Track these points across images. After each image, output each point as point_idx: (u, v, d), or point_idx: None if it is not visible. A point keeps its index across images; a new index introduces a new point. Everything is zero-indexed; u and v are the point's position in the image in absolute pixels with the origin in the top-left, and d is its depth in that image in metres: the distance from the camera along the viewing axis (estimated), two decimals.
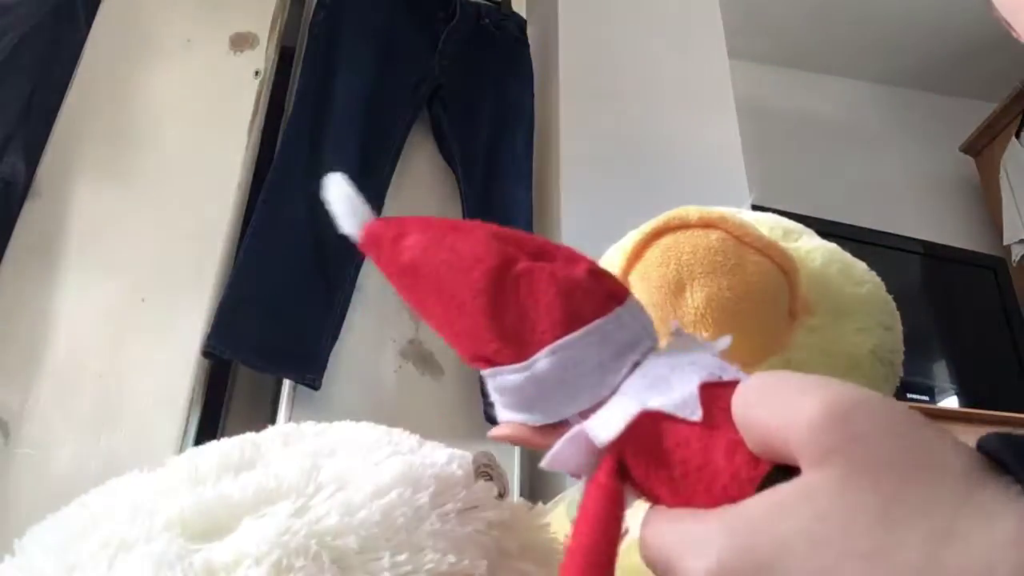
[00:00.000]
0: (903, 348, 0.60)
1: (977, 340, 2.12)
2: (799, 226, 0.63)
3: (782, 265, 0.52)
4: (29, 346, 1.05)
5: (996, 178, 2.36)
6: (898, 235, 2.22)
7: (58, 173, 1.18)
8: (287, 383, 1.14)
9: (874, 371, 0.55)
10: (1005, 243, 2.29)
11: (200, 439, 1.08)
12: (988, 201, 2.44)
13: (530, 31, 1.56)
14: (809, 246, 0.59)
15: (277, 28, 1.38)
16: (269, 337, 1.11)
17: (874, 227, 2.19)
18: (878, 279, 0.62)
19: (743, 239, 0.51)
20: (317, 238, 1.18)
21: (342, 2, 1.41)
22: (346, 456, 0.35)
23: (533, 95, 1.49)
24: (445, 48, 1.43)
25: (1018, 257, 2.25)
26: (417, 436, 0.39)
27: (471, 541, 0.33)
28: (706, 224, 0.50)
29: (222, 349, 1.08)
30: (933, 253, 2.23)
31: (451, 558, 0.31)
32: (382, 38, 1.40)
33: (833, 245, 0.61)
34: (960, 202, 2.54)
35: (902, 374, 0.60)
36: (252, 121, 1.28)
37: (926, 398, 1.95)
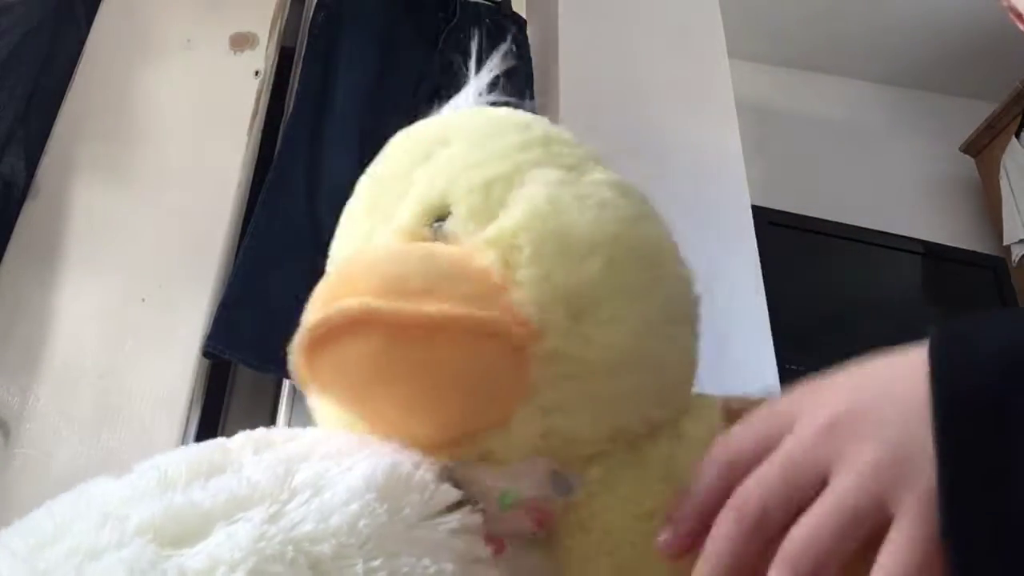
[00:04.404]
0: (688, 273, 0.45)
1: None
2: (494, 150, 0.45)
3: (476, 330, 0.37)
4: (29, 346, 1.05)
5: (996, 178, 2.35)
6: (898, 235, 2.22)
7: (58, 173, 1.18)
8: (287, 383, 1.14)
9: (656, 351, 0.41)
10: (1005, 243, 2.29)
11: (200, 439, 1.08)
12: (988, 201, 2.44)
13: (530, 31, 1.56)
14: (514, 217, 0.41)
15: (277, 28, 1.38)
16: (269, 337, 1.11)
17: (874, 227, 2.19)
18: (605, 205, 0.43)
19: (409, 325, 0.35)
20: (317, 238, 1.18)
21: (342, 2, 1.41)
22: (319, 461, 0.34)
23: (533, 95, 1.49)
24: (445, 48, 1.43)
25: (1018, 257, 2.24)
26: (390, 441, 0.38)
27: (444, 546, 0.32)
28: (353, 323, 0.36)
29: (222, 349, 1.08)
30: (933, 253, 2.23)
31: (426, 562, 0.31)
32: (382, 38, 1.40)
33: (547, 191, 0.42)
34: (960, 202, 2.54)
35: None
36: (252, 121, 1.28)
37: None
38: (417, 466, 0.36)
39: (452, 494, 0.35)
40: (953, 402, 0.28)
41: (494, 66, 0.57)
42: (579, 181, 0.44)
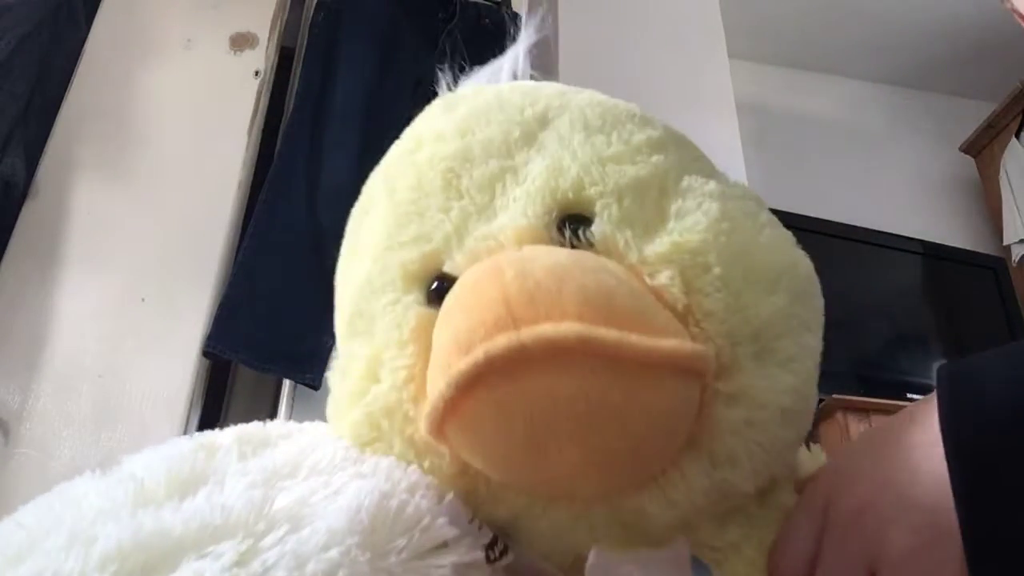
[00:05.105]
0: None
1: (977, 340, 2.12)
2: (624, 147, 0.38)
3: (692, 368, 0.31)
4: (29, 346, 1.05)
5: (996, 178, 2.36)
6: (898, 235, 2.22)
7: (58, 173, 1.18)
8: (287, 382, 1.14)
9: (815, 393, 0.37)
10: (1005, 243, 2.29)
11: None
12: (988, 201, 2.44)
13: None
14: (694, 231, 0.34)
15: (277, 28, 1.38)
16: (269, 337, 1.11)
17: (874, 227, 2.19)
18: (785, 239, 0.39)
19: (625, 357, 0.29)
20: (317, 238, 1.18)
21: (342, 2, 1.41)
22: (306, 478, 0.32)
23: None
24: (445, 48, 1.43)
25: (1018, 257, 2.25)
26: (389, 457, 0.35)
27: None
28: (553, 352, 0.28)
29: (222, 349, 1.08)
30: (933, 253, 2.23)
31: None
32: (382, 38, 1.40)
33: (720, 206, 0.36)
34: (960, 202, 2.54)
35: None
36: (252, 121, 1.28)
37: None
38: (412, 492, 0.32)
39: (445, 532, 0.31)
40: (972, 476, 0.28)
41: (531, 34, 0.46)
42: (731, 195, 0.38)
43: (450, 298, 0.33)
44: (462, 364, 0.28)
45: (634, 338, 0.28)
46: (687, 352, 0.30)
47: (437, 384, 0.30)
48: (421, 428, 0.32)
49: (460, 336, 0.30)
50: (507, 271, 0.30)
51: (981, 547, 0.27)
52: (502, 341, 0.28)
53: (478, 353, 0.28)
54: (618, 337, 0.28)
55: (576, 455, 0.30)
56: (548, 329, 0.28)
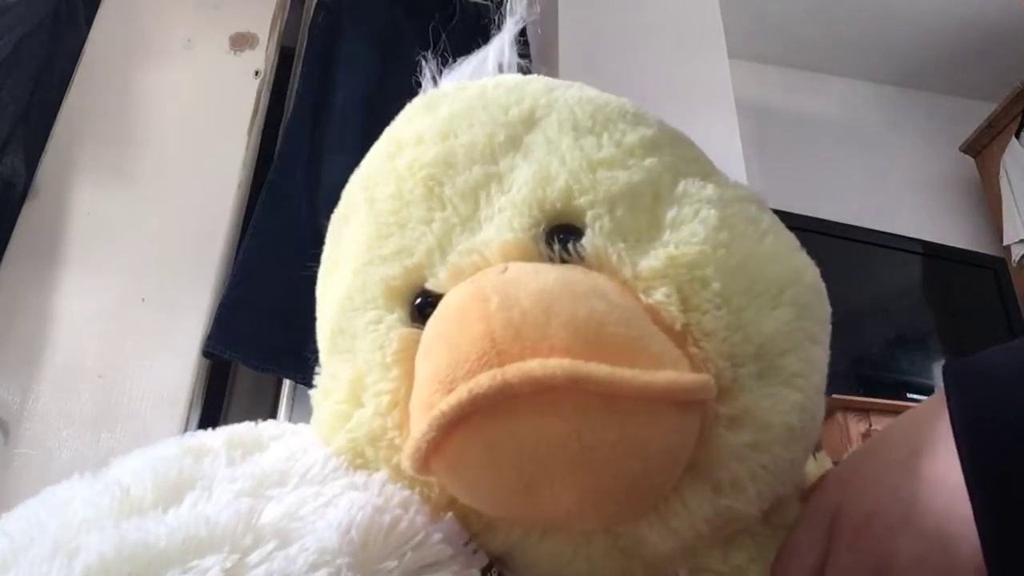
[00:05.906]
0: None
1: (977, 340, 2.12)
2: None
3: (691, 400, 0.29)
4: (29, 346, 1.05)
5: (996, 178, 2.35)
6: (898, 235, 2.22)
7: (58, 173, 1.18)
8: (287, 382, 1.14)
9: (821, 407, 0.35)
10: (1005, 243, 2.29)
11: None
12: (988, 201, 2.44)
13: (530, 31, 1.56)
14: (690, 243, 0.32)
15: (277, 28, 1.38)
16: (269, 337, 1.11)
17: (874, 227, 2.19)
18: (789, 245, 0.36)
19: (618, 394, 0.27)
20: (317, 238, 1.18)
21: (342, 2, 1.41)
22: (296, 487, 0.31)
23: None
24: (445, 48, 1.43)
25: (1018, 257, 2.24)
26: (382, 471, 0.33)
27: None
28: (540, 390, 0.26)
29: (222, 349, 1.08)
30: (933, 253, 2.23)
31: None
32: (382, 38, 1.40)
33: (719, 213, 0.34)
34: (960, 202, 2.54)
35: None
36: (252, 121, 1.28)
37: (925, 398, 1.94)
38: (406, 507, 0.31)
39: (438, 550, 0.30)
40: (990, 480, 0.28)
41: (516, 22, 0.46)
42: (730, 199, 0.35)
43: (432, 327, 0.31)
44: (444, 404, 0.27)
45: (627, 373, 0.26)
46: (685, 385, 0.28)
47: (419, 424, 0.28)
48: (404, 463, 0.30)
49: (442, 372, 0.28)
50: (491, 299, 0.28)
51: (1004, 552, 0.27)
52: (485, 380, 0.26)
53: (461, 392, 0.26)
54: (610, 373, 0.26)
55: (570, 496, 0.28)
56: (535, 366, 0.26)
